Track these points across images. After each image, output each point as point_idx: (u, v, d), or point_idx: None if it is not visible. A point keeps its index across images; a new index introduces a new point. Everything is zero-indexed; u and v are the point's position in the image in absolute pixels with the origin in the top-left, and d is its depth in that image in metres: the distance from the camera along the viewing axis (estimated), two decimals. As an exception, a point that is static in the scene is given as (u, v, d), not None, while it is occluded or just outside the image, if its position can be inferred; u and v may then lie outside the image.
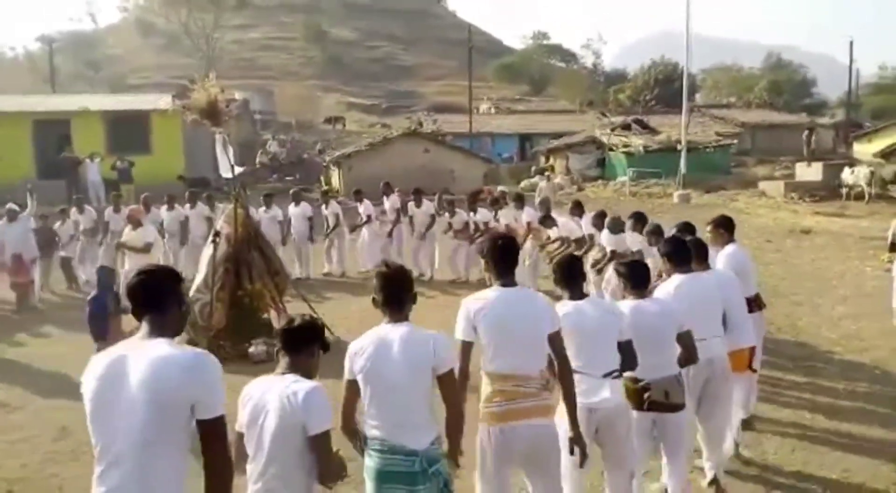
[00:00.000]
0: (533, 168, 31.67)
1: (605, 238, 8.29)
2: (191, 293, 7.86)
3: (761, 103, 48.77)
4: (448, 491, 2.98)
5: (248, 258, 8.16)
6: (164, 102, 24.33)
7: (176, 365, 2.27)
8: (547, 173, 22.28)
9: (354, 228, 12.61)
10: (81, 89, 46.57)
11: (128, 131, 23.53)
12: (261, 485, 2.72)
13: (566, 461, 3.46)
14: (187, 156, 23.29)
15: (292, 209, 12.32)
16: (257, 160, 29.31)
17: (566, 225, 9.45)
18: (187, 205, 12.13)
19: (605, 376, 3.59)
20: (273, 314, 8.40)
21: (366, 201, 12.55)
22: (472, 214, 11.58)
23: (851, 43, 41.15)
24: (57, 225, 11.73)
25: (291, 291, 8.96)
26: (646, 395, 3.84)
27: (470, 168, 26.06)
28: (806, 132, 32.55)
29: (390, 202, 12.39)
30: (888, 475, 4.80)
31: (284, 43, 73.35)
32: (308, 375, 2.84)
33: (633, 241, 7.77)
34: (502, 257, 3.41)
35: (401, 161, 24.40)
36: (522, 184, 26.70)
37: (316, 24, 71.43)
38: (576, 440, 3.35)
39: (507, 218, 11.01)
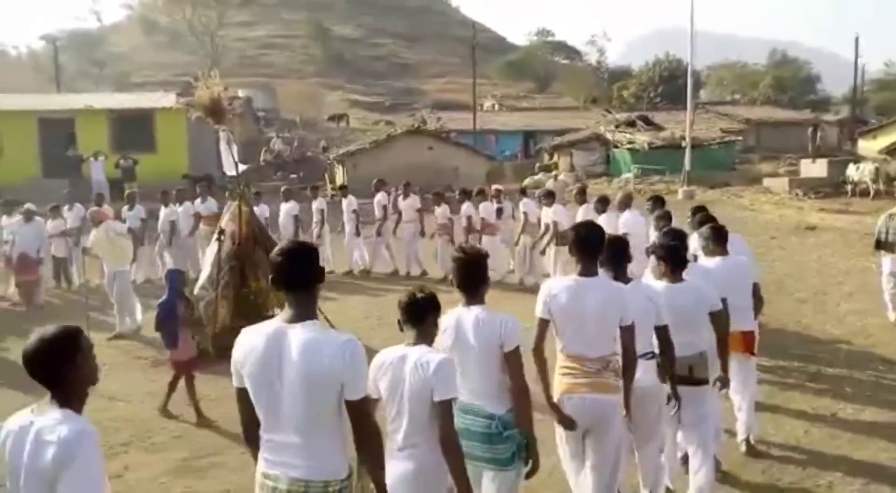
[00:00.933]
0: (537, 165, 31.63)
1: (546, 211, 9.32)
2: (195, 291, 7.88)
3: (766, 100, 48.65)
4: (521, 455, 3.21)
5: (253, 256, 8.16)
6: (168, 100, 24.38)
7: (327, 348, 2.41)
8: (554, 172, 22.24)
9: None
10: (86, 88, 46.71)
11: (132, 130, 23.59)
12: (402, 442, 2.89)
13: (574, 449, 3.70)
14: (192, 154, 23.34)
15: (283, 206, 12.22)
16: (261, 158, 29.34)
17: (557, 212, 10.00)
18: (174, 204, 12.02)
19: (640, 357, 3.76)
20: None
21: (350, 197, 12.57)
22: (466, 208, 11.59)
23: (857, 39, 40.97)
24: (49, 223, 11.54)
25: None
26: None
27: (474, 165, 26.06)
28: (811, 129, 32.53)
29: (377, 199, 12.34)
30: (891, 475, 4.79)
31: (288, 40, 73.36)
32: (430, 343, 2.98)
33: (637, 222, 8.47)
34: (583, 247, 3.64)
35: (404, 159, 24.41)
36: (526, 181, 26.67)
37: (319, 22, 71.40)
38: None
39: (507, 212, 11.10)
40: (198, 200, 12.11)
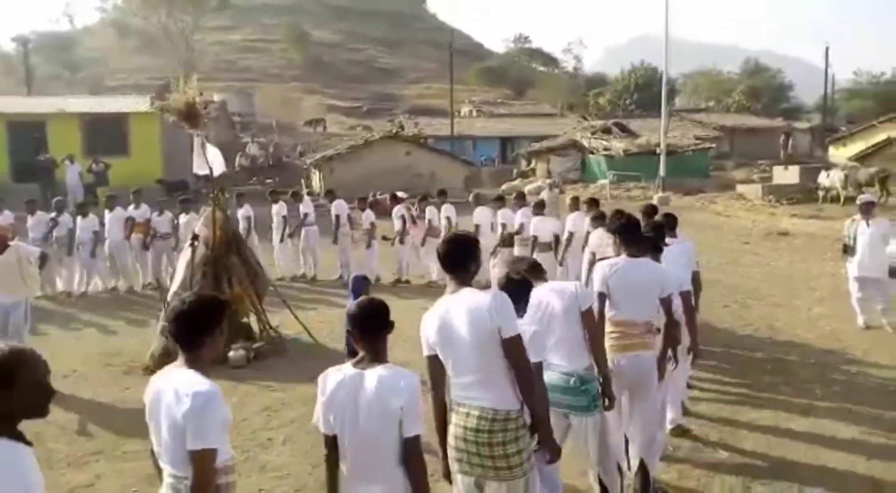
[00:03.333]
0: (515, 171, 31.78)
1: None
2: (168, 297, 7.77)
3: (739, 107, 49.43)
4: (595, 404, 3.90)
5: (227, 262, 8.07)
6: (141, 103, 24.09)
7: (486, 308, 3.05)
8: (549, 181, 22.01)
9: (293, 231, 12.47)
10: (58, 91, 45.93)
11: (105, 133, 23.26)
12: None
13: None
14: (165, 158, 23.07)
15: (238, 212, 12.05)
16: (237, 163, 29.09)
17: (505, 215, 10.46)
18: (105, 210, 11.82)
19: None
20: (252, 318, 8.32)
21: (306, 200, 12.63)
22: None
23: (827, 48, 41.82)
24: (29, 221, 11.23)
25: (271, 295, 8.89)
26: None
27: (451, 171, 26.09)
28: (783, 136, 33.10)
29: (334, 207, 12.25)
30: (864, 470, 4.87)
31: (266, 45, 72.90)
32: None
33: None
34: (625, 233, 4.40)
35: (382, 164, 24.39)
36: (504, 187, 26.76)
37: (298, 26, 71.09)
38: (660, 362, 4.41)
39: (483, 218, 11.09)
40: (131, 206, 11.90)
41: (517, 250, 10.01)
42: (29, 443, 2.19)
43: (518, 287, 3.53)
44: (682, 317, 4.84)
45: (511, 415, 3.10)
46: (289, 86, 61.23)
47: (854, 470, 4.90)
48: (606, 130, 31.18)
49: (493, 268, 10.47)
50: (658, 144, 26.13)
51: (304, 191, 21.47)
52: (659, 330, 4.43)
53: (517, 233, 10.10)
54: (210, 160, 8.01)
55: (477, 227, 10.52)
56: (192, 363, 2.56)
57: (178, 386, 2.48)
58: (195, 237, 7.98)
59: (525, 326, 3.31)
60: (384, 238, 12.06)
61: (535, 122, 41.27)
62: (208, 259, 7.91)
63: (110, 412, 6.34)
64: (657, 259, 4.63)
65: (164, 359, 7.43)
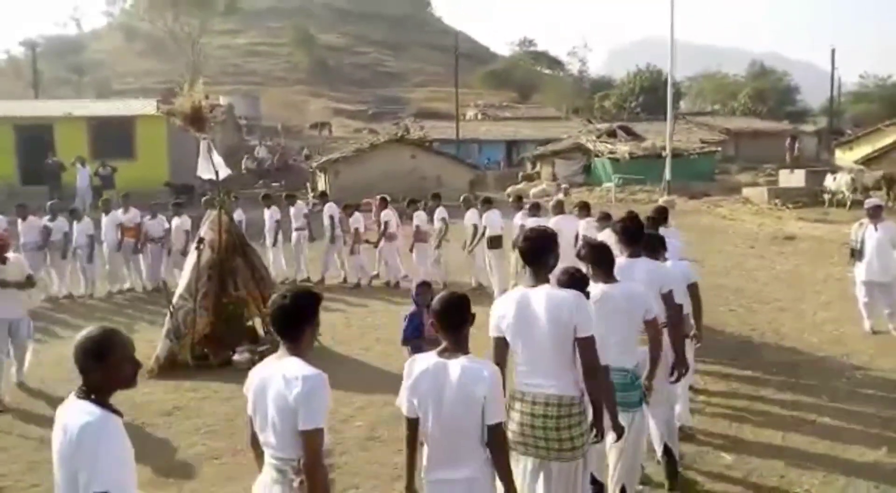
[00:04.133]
0: (520, 174, 31.77)
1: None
2: (174, 301, 7.80)
3: (745, 111, 49.34)
4: (642, 400, 4.14)
5: (233, 265, 8.09)
6: (148, 107, 24.21)
7: (567, 305, 3.34)
8: (564, 186, 21.89)
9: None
10: (66, 94, 46.19)
11: (112, 137, 23.38)
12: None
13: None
14: (172, 162, 23.17)
15: (174, 222, 11.90)
16: (243, 166, 29.18)
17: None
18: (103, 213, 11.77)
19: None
20: (257, 321, 8.34)
21: (299, 203, 12.61)
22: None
23: (833, 51, 41.68)
24: (20, 226, 10.98)
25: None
26: None
27: (456, 174, 26.10)
28: (789, 139, 33.00)
29: (326, 209, 12.30)
30: (870, 476, 4.85)
31: (272, 48, 73.22)
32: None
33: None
34: (625, 235, 4.62)
35: (387, 167, 24.42)
36: (509, 190, 26.75)
37: (304, 30, 71.36)
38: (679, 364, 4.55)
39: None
40: (120, 211, 11.87)
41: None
42: (120, 414, 2.48)
43: (576, 283, 3.74)
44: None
45: (574, 401, 3.39)
46: (294, 89, 61.47)
47: (860, 476, 4.88)
48: (611, 134, 31.14)
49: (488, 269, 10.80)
50: (663, 148, 26.08)
51: (310, 194, 21.56)
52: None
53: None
54: (215, 164, 8.04)
55: (474, 227, 10.82)
56: (295, 352, 2.75)
57: (286, 373, 2.66)
58: (201, 240, 8.00)
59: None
60: (366, 241, 12.13)
61: (541, 125, 41.26)
62: (214, 262, 7.93)
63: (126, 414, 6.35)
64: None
65: (169, 363, 7.49)
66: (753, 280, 11.80)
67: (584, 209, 9.70)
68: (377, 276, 12.19)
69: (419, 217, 11.79)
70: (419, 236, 11.67)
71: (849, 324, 8.72)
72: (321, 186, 26.11)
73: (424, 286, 5.48)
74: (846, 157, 30.01)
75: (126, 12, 67.33)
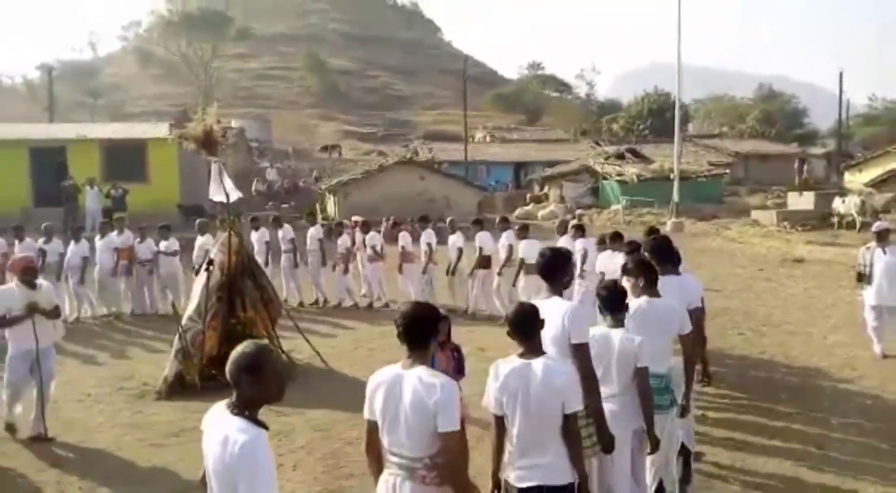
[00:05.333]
0: (528, 196, 31.86)
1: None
2: (182, 322, 7.85)
3: (753, 133, 49.33)
4: (674, 403, 4.42)
5: (241, 287, 8.15)
6: (160, 130, 24.50)
7: (563, 314, 3.72)
8: (579, 211, 21.93)
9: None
10: (80, 117, 46.89)
11: (124, 159, 23.63)
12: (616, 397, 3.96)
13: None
14: (184, 184, 23.39)
15: (197, 239, 11.89)
16: (253, 188, 29.44)
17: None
18: (97, 235, 11.72)
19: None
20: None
21: (262, 230, 12.46)
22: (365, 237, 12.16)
23: (841, 74, 41.78)
24: (17, 247, 10.89)
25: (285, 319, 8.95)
26: None
27: (465, 196, 26.23)
28: (798, 162, 33.00)
29: (282, 232, 12.37)
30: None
31: (284, 72, 74.22)
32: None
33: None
34: (657, 252, 5.03)
35: (396, 189, 24.58)
36: (517, 212, 26.83)
37: (315, 55, 72.35)
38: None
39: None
40: (113, 233, 11.87)
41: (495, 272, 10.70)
42: (267, 427, 2.63)
43: (614, 295, 4.12)
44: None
45: (580, 414, 3.57)
46: (305, 113, 62.14)
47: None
48: (620, 156, 31.24)
49: (472, 290, 11.12)
50: (671, 170, 26.13)
51: (320, 216, 21.69)
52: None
53: (509, 256, 10.48)
54: (226, 187, 8.13)
55: (459, 250, 11.17)
56: (421, 361, 3.01)
57: (422, 379, 2.93)
58: (210, 262, 8.07)
59: (634, 335, 4.01)
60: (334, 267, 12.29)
61: (549, 147, 41.46)
62: (223, 284, 8.00)
63: (123, 435, 6.39)
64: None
65: (177, 384, 7.52)
66: (762, 303, 11.75)
67: (580, 230, 10.06)
68: (364, 296, 12.27)
69: (404, 238, 11.91)
70: (406, 257, 11.79)
71: (858, 348, 8.65)
72: (330, 208, 26.30)
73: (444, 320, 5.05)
74: (855, 179, 29.94)
75: (140, 37, 68.60)
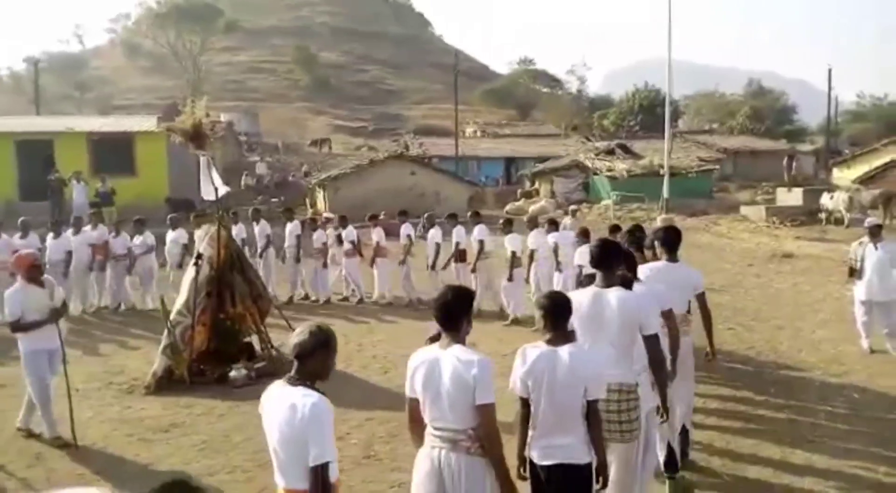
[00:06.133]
0: (519, 191, 31.87)
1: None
2: (171, 316, 7.79)
3: (743, 129, 49.53)
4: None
5: (231, 282, 8.11)
6: (148, 123, 24.29)
7: (635, 305, 3.99)
8: (573, 207, 22.05)
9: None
10: (67, 110, 46.42)
11: (112, 153, 23.41)
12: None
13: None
14: (172, 178, 23.20)
15: (169, 234, 11.90)
16: (242, 182, 29.27)
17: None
18: (70, 230, 11.54)
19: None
20: (254, 338, 8.34)
21: (239, 225, 12.24)
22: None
23: (830, 71, 41.97)
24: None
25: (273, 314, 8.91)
26: None
27: (456, 191, 26.19)
28: (787, 158, 33.14)
29: (259, 228, 12.33)
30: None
31: (273, 66, 73.70)
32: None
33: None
34: (666, 242, 5.27)
35: (387, 184, 24.50)
36: (507, 207, 26.83)
37: (305, 48, 71.88)
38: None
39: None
40: (87, 228, 11.77)
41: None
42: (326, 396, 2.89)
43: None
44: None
45: (633, 388, 3.96)
46: (295, 106, 61.79)
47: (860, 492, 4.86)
48: (610, 152, 31.28)
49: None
50: (661, 166, 26.21)
51: (310, 211, 21.58)
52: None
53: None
54: (215, 181, 8.08)
55: (437, 245, 11.34)
56: (457, 340, 3.25)
57: (460, 357, 3.16)
58: (199, 256, 8.02)
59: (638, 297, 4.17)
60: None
61: (539, 142, 41.46)
62: (212, 279, 7.94)
63: (112, 431, 6.34)
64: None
65: (166, 379, 7.47)
66: (751, 298, 11.81)
67: (553, 225, 10.53)
68: (353, 293, 12.27)
69: (378, 233, 11.96)
70: (379, 252, 11.88)
71: (847, 343, 8.72)
72: (320, 202, 26.19)
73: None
74: (844, 175, 30.13)
75: (128, 29, 67.84)
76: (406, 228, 11.82)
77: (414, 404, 3.31)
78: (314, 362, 2.91)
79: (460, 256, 11.08)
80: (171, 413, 6.70)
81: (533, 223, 10.81)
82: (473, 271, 10.78)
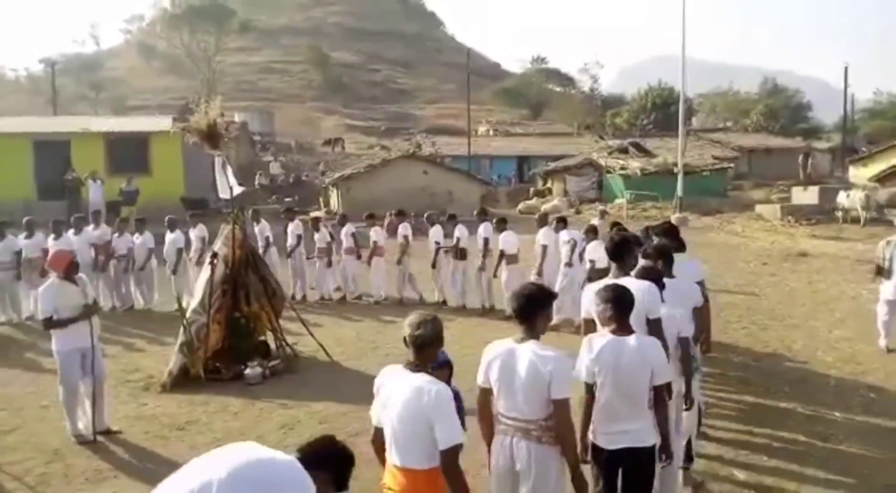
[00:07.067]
0: (531, 190, 31.81)
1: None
2: (187, 315, 7.86)
3: (758, 127, 49.13)
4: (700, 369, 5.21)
5: (246, 280, 8.16)
6: (163, 123, 24.47)
7: (643, 293, 4.13)
8: (601, 208, 21.95)
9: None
10: (83, 111, 46.86)
11: (128, 153, 23.63)
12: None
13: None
14: (187, 177, 23.38)
15: (167, 236, 11.75)
16: (256, 182, 29.45)
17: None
18: (71, 231, 11.35)
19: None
20: (269, 336, 8.39)
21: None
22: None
23: (846, 68, 41.60)
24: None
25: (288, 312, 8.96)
26: None
27: (468, 190, 26.19)
28: (802, 156, 32.85)
29: (259, 228, 12.30)
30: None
31: (286, 66, 74.04)
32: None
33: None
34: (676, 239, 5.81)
35: (399, 183, 24.53)
36: (520, 206, 26.79)
37: (318, 48, 72.14)
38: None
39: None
40: (90, 227, 11.74)
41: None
42: None
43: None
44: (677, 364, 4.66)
45: None
46: (308, 106, 62.02)
47: (875, 491, 4.83)
48: (623, 150, 31.15)
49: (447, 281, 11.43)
50: (675, 164, 26.07)
51: (324, 210, 21.65)
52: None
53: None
54: (230, 181, 8.14)
55: (437, 243, 11.41)
56: (533, 335, 3.40)
57: (536, 351, 3.32)
58: (214, 255, 8.08)
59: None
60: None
61: (552, 141, 41.36)
62: (227, 277, 8.00)
63: (129, 428, 6.41)
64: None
65: (181, 377, 7.54)
66: (766, 297, 11.73)
67: (562, 222, 10.56)
68: (352, 292, 12.31)
69: (377, 233, 12.01)
70: (377, 251, 11.94)
71: (862, 342, 8.64)
72: (333, 201, 26.28)
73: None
74: (860, 174, 29.81)
75: (143, 30, 68.41)
76: (403, 229, 11.83)
77: (486, 393, 3.45)
78: (431, 350, 3.12)
79: (460, 254, 11.18)
80: (187, 411, 6.76)
81: (542, 221, 10.86)
82: (481, 268, 10.89)
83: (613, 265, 4.46)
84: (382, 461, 3.29)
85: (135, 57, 70.86)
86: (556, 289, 9.28)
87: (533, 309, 3.41)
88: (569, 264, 9.91)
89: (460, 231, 11.25)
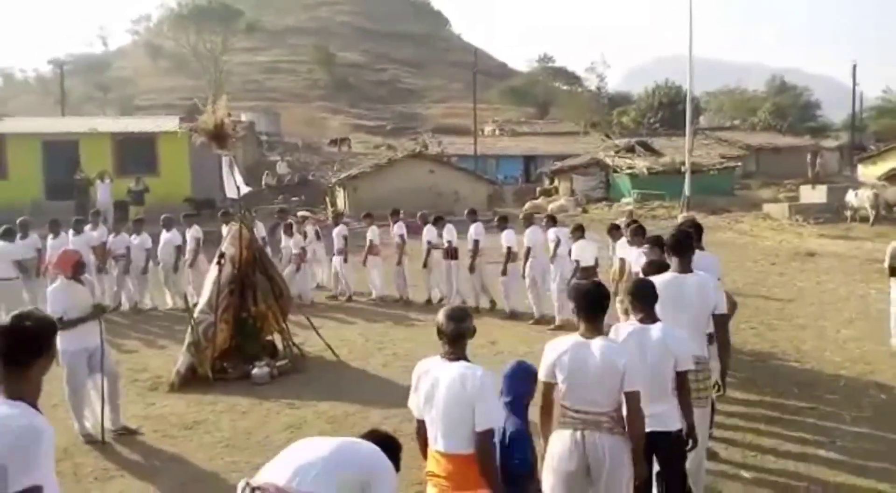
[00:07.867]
0: (538, 190, 31.75)
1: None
2: (195, 315, 7.89)
3: (765, 126, 48.89)
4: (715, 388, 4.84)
5: (253, 280, 8.19)
6: (171, 123, 24.56)
7: (708, 288, 4.49)
8: (628, 208, 21.86)
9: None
10: (91, 111, 47.09)
11: (135, 153, 23.76)
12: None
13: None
14: (194, 177, 23.46)
15: (162, 235, 11.57)
16: (263, 181, 29.50)
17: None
18: (71, 231, 11.23)
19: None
20: (276, 336, 8.41)
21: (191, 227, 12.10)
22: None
23: (855, 66, 41.36)
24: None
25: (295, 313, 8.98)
26: None
27: (475, 189, 26.18)
28: (810, 155, 32.66)
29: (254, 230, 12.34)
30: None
31: (293, 65, 74.16)
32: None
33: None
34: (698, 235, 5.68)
35: (406, 182, 24.55)
36: (527, 205, 26.74)
37: (324, 48, 72.23)
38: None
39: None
40: (88, 227, 11.67)
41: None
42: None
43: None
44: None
45: (706, 360, 4.44)
46: (315, 106, 62.12)
47: (883, 497, 4.79)
48: (630, 149, 31.06)
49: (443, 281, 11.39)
50: (682, 163, 25.98)
51: (331, 210, 21.68)
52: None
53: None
54: (237, 181, 8.16)
55: (428, 243, 11.40)
56: (598, 332, 3.56)
57: (608, 345, 3.53)
58: (222, 256, 8.10)
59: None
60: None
61: (559, 140, 41.26)
62: (235, 277, 8.02)
63: (137, 427, 6.43)
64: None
65: (189, 376, 7.57)
66: (774, 297, 11.68)
67: (551, 221, 10.64)
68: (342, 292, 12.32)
69: (373, 232, 12.01)
70: (372, 250, 11.97)
71: (871, 342, 8.59)
72: (340, 201, 26.31)
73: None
74: (869, 172, 29.64)
75: (151, 31, 68.64)
76: (398, 229, 11.77)
77: (550, 387, 3.56)
78: (465, 342, 3.25)
79: (451, 253, 11.16)
80: (195, 410, 6.78)
81: (528, 220, 10.91)
82: (471, 269, 10.79)
83: (675, 260, 4.59)
84: (425, 454, 3.35)
85: (142, 57, 71.10)
86: (549, 287, 9.92)
87: (602, 307, 3.58)
88: (552, 260, 9.95)
89: (449, 232, 11.18)
